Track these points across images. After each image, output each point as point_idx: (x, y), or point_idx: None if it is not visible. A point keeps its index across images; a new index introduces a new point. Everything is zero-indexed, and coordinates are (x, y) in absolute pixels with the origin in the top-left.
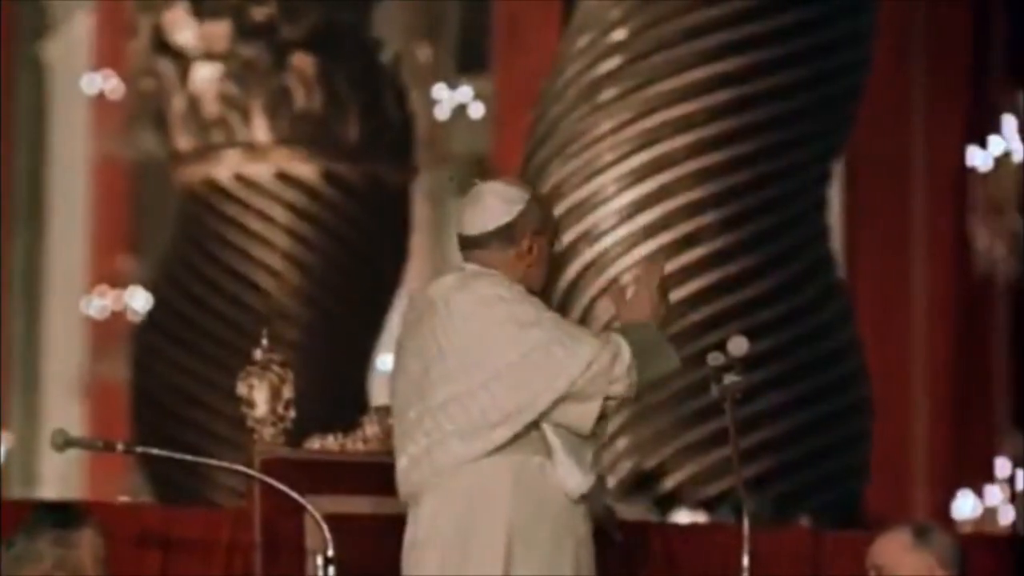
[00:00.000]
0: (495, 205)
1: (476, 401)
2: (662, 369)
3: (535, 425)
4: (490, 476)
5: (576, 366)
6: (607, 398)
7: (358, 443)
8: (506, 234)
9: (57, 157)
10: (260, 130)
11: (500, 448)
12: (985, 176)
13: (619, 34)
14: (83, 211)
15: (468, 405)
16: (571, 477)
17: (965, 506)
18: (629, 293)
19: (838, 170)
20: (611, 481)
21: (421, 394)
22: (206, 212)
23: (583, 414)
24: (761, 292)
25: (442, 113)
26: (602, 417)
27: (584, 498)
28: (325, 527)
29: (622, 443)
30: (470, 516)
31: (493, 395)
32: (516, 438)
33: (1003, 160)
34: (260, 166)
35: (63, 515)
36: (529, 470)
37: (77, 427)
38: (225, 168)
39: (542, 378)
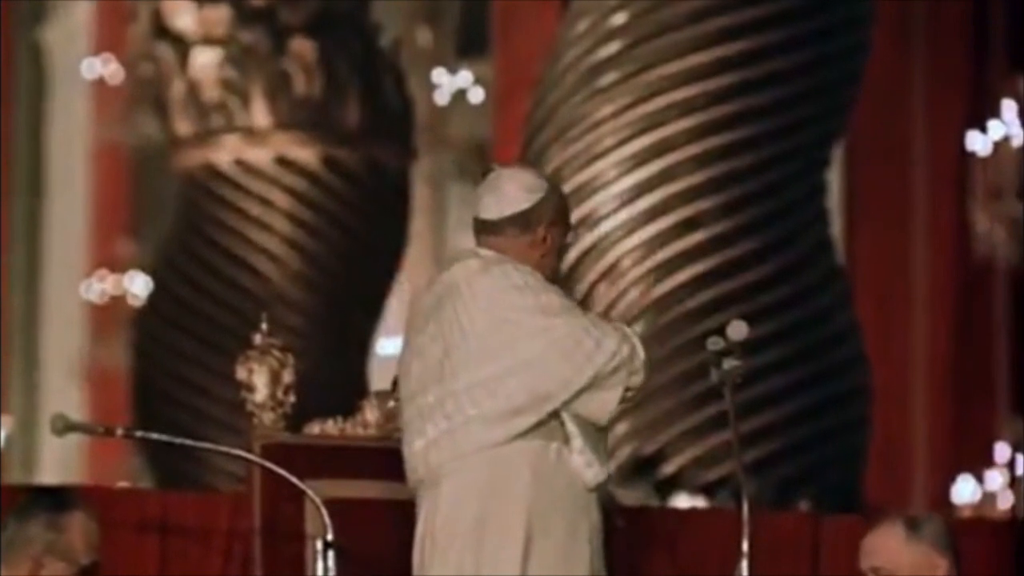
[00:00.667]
0: (514, 192)
1: (503, 386)
2: None
3: (555, 413)
4: (510, 463)
5: (602, 356)
6: (627, 389)
7: (358, 428)
8: (522, 221)
9: (57, 142)
10: (260, 115)
11: (521, 435)
12: (985, 161)
13: (619, 18)
14: (83, 196)
15: (494, 390)
16: (589, 466)
17: (965, 491)
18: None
19: (838, 155)
20: (611, 466)
21: (440, 377)
22: (206, 197)
23: (604, 403)
24: (761, 277)
25: (442, 98)
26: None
27: (599, 487)
28: (325, 512)
29: (622, 428)
30: (489, 504)
31: (520, 381)
32: (538, 425)
33: (1003, 145)
34: (260, 151)
35: (54, 499)
36: (547, 457)
37: (77, 412)
38: (225, 153)
39: (569, 366)
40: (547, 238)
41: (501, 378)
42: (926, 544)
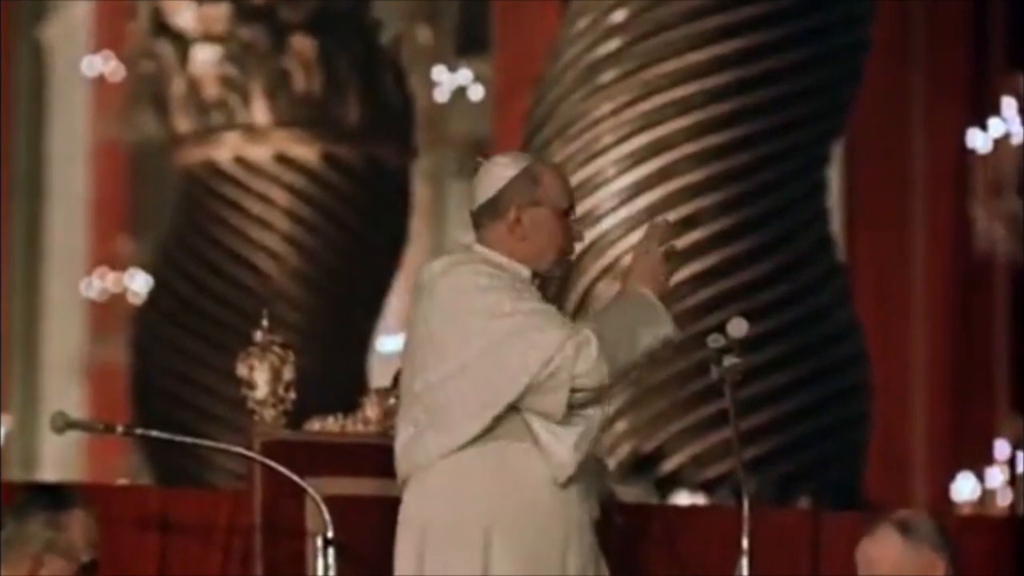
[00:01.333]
0: (485, 179)
1: (444, 392)
2: (653, 340)
3: (516, 411)
4: (466, 471)
5: (536, 360)
6: (575, 390)
7: (358, 425)
8: (492, 209)
9: (57, 139)
10: (260, 112)
11: (477, 439)
12: (985, 158)
13: (618, 16)
14: (83, 193)
15: (438, 396)
16: (552, 459)
17: (965, 488)
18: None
19: (838, 152)
20: (611, 464)
21: (411, 378)
22: (206, 194)
23: (552, 404)
24: (760, 274)
25: (442, 95)
26: (590, 403)
27: (572, 480)
28: (325, 509)
29: (621, 425)
30: (443, 511)
31: (459, 387)
32: (495, 426)
33: (1003, 142)
34: (260, 148)
35: (54, 497)
36: (510, 457)
37: (77, 409)
38: (225, 150)
39: (504, 372)
40: (520, 219)
41: (445, 383)
42: (925, 546)
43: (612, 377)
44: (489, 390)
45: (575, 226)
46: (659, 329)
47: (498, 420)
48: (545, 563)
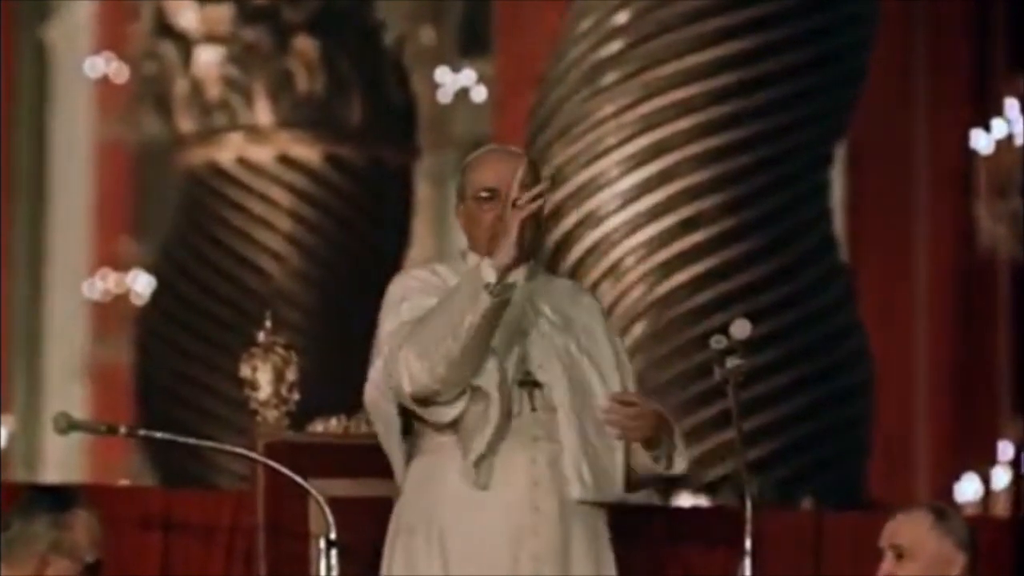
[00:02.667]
0: None
1: None
2: (475, 304)
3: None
4: (410, 474)
5: (369, 394)
6: (419, 400)
7: (362, 426)
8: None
9: (60, 140)
10: (263, 113)
11: (411, 453)
12: (988, 159)
13: (621, 17)
14: (86, 194)
15: None
16: (468, 466)
17: (968, 488)
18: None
19: (840, 153)
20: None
21: None
22: (209, 195)
23: (427, 417)
24: (763, 275)
25: (444, 96)
26: (460, 398)
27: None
28: (328, 510)
29: None
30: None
31: None
32: (417, 440)
33: (1006, 143)
34: (263, 149)
35: (57, 497)
36: (421, 468)
37: (80, 410)
38: (228, 151)
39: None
40: (459, 210)
41: None
42: (951, 538)
43: (447, 368)
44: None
45: (504, 206)
46: (477, 292)
47: (417, 434)
48: (428, 561)
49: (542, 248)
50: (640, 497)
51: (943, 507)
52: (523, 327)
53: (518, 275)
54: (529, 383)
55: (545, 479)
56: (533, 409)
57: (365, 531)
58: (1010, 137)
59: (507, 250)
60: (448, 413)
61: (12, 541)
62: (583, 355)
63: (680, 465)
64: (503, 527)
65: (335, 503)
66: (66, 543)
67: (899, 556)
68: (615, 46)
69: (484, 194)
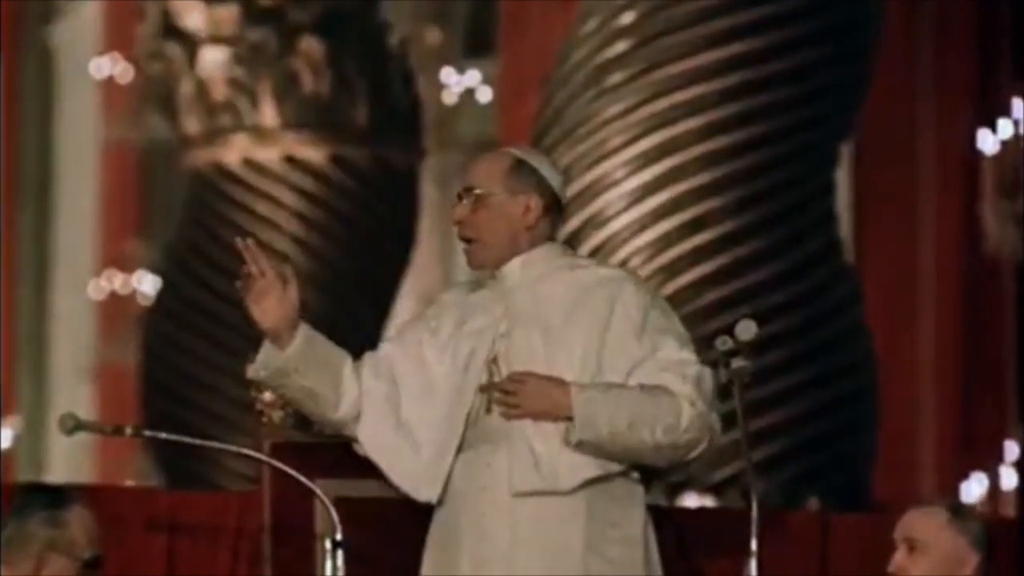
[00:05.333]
0: None
1: None
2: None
3: None
4: None
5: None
6: None
7: None
8: None
9: (65, 141)
10: (268, 114)
11: None
12: (994, 159)
13: (626, 18)
14: (91, 195)
15: None
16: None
17: (973, 489)
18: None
19: (846, 154)
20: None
21: None
22: (214, 196)
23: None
24: (769, 276)
25: (450, 97)
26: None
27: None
28: (334, 511)
29: None
30: None
31: None
32: None
33: (1011, 143)
34: (268, 150)
35: (52, 495)
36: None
37: (86, 411)
38: (233, 152)
39: None
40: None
41: None
42: (967, 538)
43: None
44: None
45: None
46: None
47: None
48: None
49: (553, 237)
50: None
51: (960, 505)
52: (500, 330)
53: (514, 277)
54: (494, 385)
55: (500, 482)
56: (488, 411)
57: (371, 532)
58: (1016, 138)
59: (268, 315)
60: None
61: (8, 541)
62: (562, 348)
63: (573, 435)
64: (457, 534)
65: (341, 504)
66: (62, 541)
67: (912, 549)
68: (621, 47)
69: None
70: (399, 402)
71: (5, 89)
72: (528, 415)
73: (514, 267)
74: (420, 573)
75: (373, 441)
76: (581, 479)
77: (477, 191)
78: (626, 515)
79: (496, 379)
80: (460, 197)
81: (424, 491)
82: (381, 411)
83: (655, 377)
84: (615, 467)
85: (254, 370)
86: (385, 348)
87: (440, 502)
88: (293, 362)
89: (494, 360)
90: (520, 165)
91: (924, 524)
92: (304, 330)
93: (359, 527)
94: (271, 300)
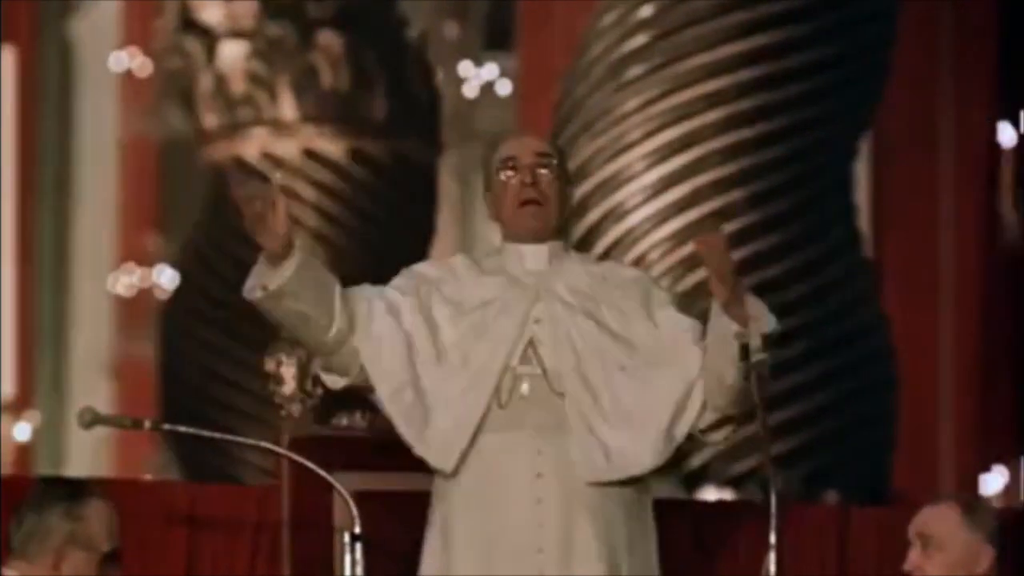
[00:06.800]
0: None
1: None
2: None
3: None
4: None
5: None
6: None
7: (386, 419)
8: None
9: (84, 136)
10: (287, 108)
11: None
12: (1014, 152)
13: (646, 11)
14: (111, 189)
15: None
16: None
17: (993, 481)
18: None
19: (866, 147)
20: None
21: None
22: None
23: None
24: (789, 269)
25: (469, 90)
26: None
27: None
28: (352, 504)
29: None
30: None
31: None
32: None
33: None
34: (287, 144)
35: (70, 488)
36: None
37: (105, 405)
38: (252, 146)
39: None
40: (487, 199)
41: None
42: (981, 534)
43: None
44: None
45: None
46: (253, 289)
47: None
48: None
49: (568, 232)
50: (664, 489)
51: (974, 500)
52: (534, 314)
53: (539, 262)
54: (528, 371)
55: (549, 469)
56: (523, 397)
57: (390, 525)
58: None
59: (267, 236)
60: (337, 381)
61: (28, 535)
62: (603, 332)
63: (763, 326)
64: (504, 520)
65: (360, 497)
66: (81, 535)
67: (927, 546)
68: (640, 40)
69: (506, 163)
70: (414, 358)
71: (23, 83)
72: (725, 266)
73: (542, 251)
74: (426, 555)
75: (390, 386)
76: (649, 465)
77: (555, 161)
78: (650, 524)
79: (534, 365)
80: (532, 165)
81: (441, 457)
82: (400, 358)
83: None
84: (668, 454)
85: (249, 291)
86: (394, 295)
87: (459, 481)
88: (290, 284)
89: (530, 343)
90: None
91: (938, 521)
92: (300, 251)
93: (378, 521)
94: (270, 221)
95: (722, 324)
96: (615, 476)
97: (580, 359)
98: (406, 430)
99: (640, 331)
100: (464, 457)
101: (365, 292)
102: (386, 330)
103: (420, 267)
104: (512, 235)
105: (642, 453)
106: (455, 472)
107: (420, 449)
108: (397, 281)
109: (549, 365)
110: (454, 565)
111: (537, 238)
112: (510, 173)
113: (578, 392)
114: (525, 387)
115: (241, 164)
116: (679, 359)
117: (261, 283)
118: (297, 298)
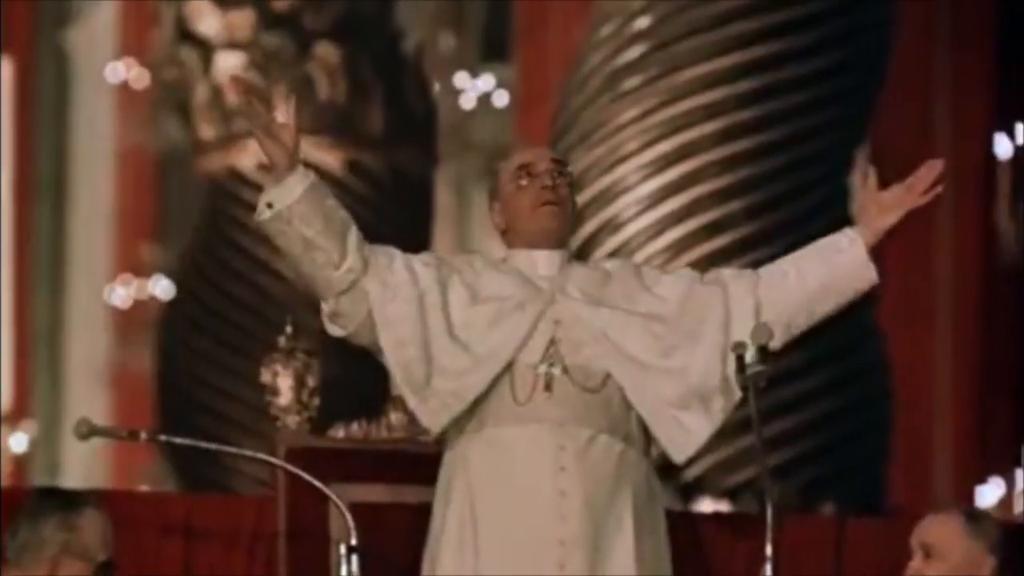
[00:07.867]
0: None
1: None
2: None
3: None
4: None
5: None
6: None
7: (382, 431)
8: None
9: (81, 146)
10: (283, 119)
11: None
12: (1010, 164)
13: (642, 22)
14: (107, 200)
15: None
16: None
17: (990, 493)
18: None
19: (862, 158)
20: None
21: None
22: (230, 200)
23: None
24: None
25: (465, 102)
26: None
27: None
28: (349, 516)
29: None
30: None
31: None
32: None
33: None
34: None
35: (65, 498)
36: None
37: (101, 416)
38: (248, 157)
39: None
40: (494, 209)
41: None
42: (983, 543)
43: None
44: None
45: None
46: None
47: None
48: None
49: (569, 240)
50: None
51: (976, 510)
52: (552, 316)
53: (551, 267)
54: (550, 370)
55: (571, 463)
56: (545, 395)
57: (386, 537)
58: None
59: (275, 148)
60: (333, 329)
61: (22, 545)
62: (630, 315)
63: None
64: (528, 512)
65: (356, 508)
66: (76, 544)
67: (928, 555)
68: (636, 51)
69: (522, 170)
70: (426, 318)
71: (20, 93)
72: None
73: (555, 257)
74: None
75: (396, 335)
76: (711, 429)
77: (568, 170)
78: (661, 514)
79: (556, 365)
80: (550, 170)
81: (433, 418)
82: (411, 312)
83: (744, 277)
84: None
85: (257, 213)
86: (416, 263)
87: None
88: (299, 206)
89: (552, 342)
90: None
91: (940, 530)
92: (309, 175)
93: (374, 532)
94: (276, 132)
95: (855, 260)
96: (692, 450)
97: (620, 346)
98: (405, 382)
99: (655, 307)
100: (460, 424)
101: (388, 248)
102: (402, 283)
103: (441, 254)
104: (526, 240)
105: (704, 421)
106: (464, 459)
107: (414, 403)
108: (420, 255)
109: (572, 363)
110: (480, 560)
111: (553, 241)
112: (526, 180)
113: (635, 378)
114: (546, 385)
115: (237, 175)
116: (702, 312)
117: (267, 201)
118: (306, 222)
